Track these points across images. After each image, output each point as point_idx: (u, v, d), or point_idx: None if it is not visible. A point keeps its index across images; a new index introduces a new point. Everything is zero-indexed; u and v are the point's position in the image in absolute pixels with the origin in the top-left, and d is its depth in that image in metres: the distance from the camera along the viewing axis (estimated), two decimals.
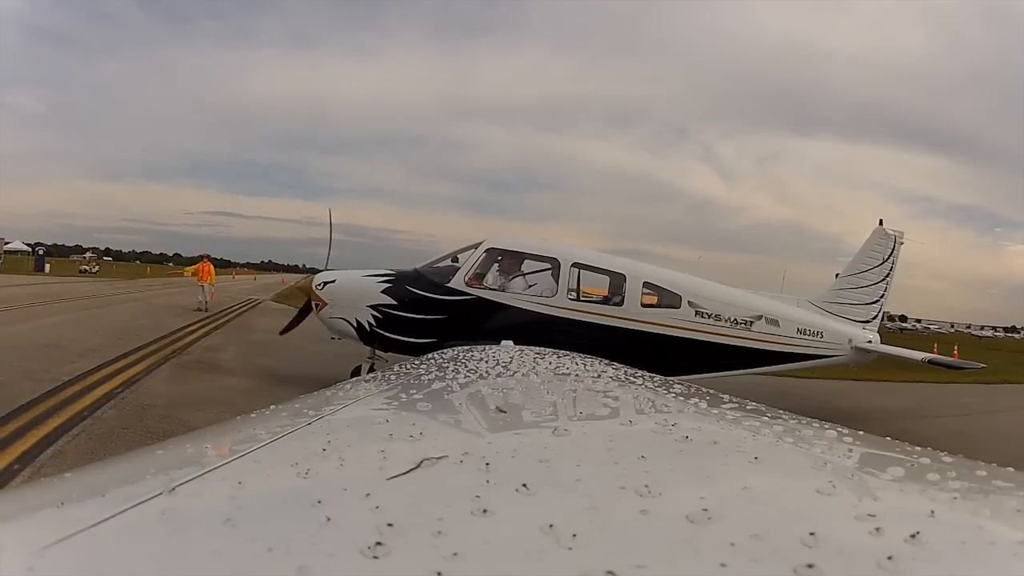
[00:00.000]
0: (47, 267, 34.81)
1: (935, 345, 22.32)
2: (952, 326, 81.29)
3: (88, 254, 45.35)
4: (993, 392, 12.17)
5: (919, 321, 67.57)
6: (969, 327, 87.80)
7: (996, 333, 75.78)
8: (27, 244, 47.82)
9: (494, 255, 6.43)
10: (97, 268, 39.42)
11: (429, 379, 2.06)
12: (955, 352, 19.13)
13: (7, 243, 40.18)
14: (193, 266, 19.22)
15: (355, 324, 6.25)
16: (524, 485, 0.75)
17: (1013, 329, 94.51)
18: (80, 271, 36.73)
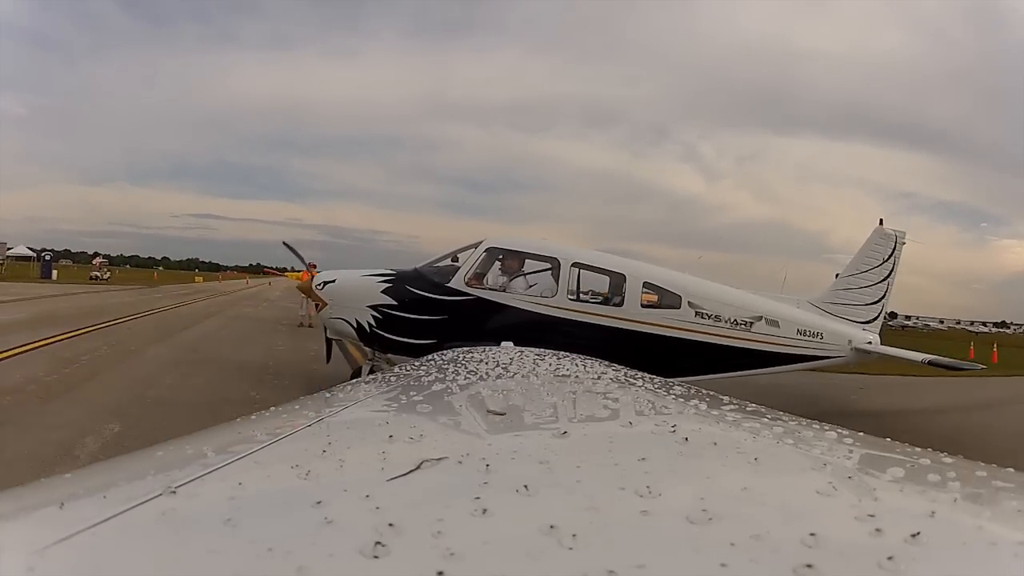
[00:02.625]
0: (54, 273, 32.88)
1: (971, 344, 22.52)
2: (942, 322, 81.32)
3: (98, 260, 42.28)
4: None
5: (908, 318, 67.56)
6: (959, 323, 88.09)
7: (985, 329, 76.08)
8: (31, 249, 44.74)
9: (494, 255, 6.42)
10: (108, 275, 37.85)
11: (429, 380, 2.06)
12: (994, 352, 19.33)
13: (10, 248, 37.27)
14: (298, 273, 17.85)
15: (355, 324, 6.24)
16: (524, 486, 0.75)
17: (1003, 324, 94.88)
18: (91, 277, 35.10)
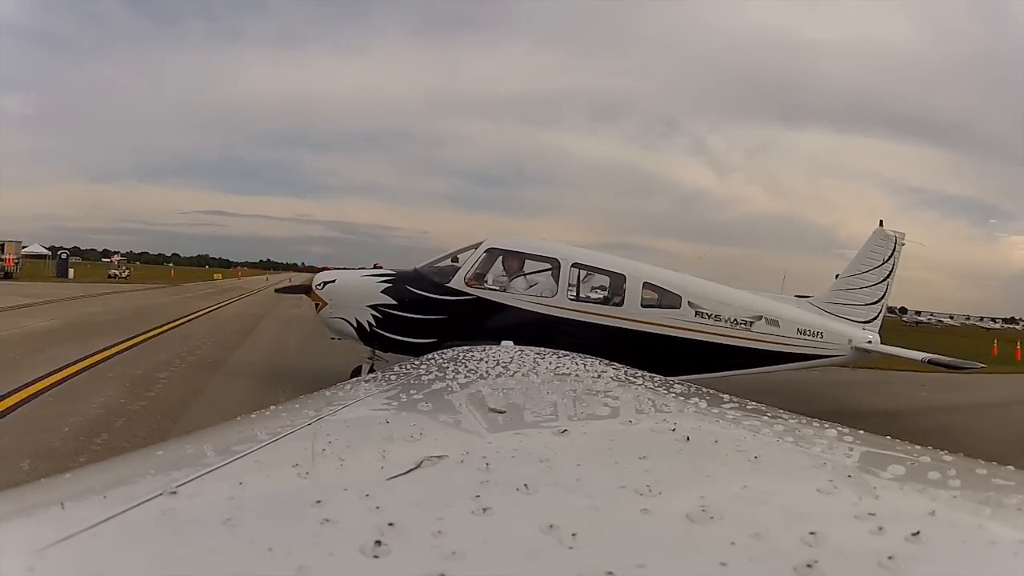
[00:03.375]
0: (71, 272, 32.38)
1: (994, 341, 22.82)
2: (951, 317, 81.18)
3: (117, 258, 41.14)
4: None
5: (919, 313, 67.25)
6: (968, 318, 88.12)
7: (995, 325, 76.14)
8: (45, 247, 43.84)
9: (494, 255, 6.42)
10: (128, 273, 37.10)
11: (429, 379, 2.06)
12: (1017, 349, 19.63)
13: (25, 246, 35.53)
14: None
15: (355, 324, 6.24)
16: (524, 485, 0.75)
17: (1013, 320, 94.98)
18: (110, 275, 34.44)
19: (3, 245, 28.23)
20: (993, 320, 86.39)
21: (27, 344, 8.48)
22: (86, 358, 7.59)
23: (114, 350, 8.50)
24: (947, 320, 71.81)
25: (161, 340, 10.13)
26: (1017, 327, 79.53)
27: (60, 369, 6.77)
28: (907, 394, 9.73)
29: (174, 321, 13.12)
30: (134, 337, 9.87)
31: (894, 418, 7.95)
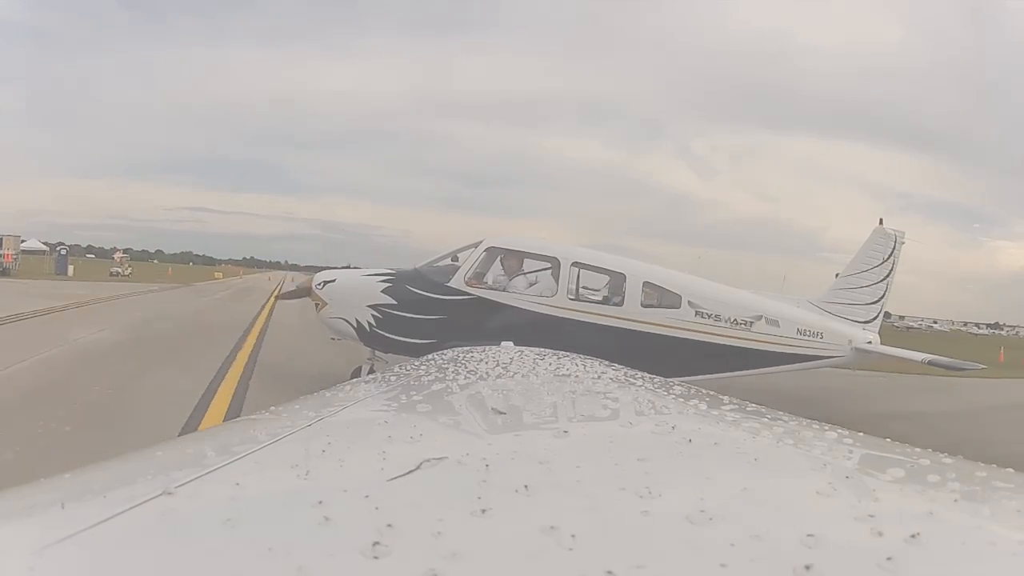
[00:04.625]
0: (71, 269, 31.38)
1: (1001, 348, 23.05)
2: (936, 322, 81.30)
3: (119, 255, 40.92)
4: None
5: (903, 318, 67.22)
6: (953, 323, 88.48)
7: (980, 330, 76.35)
8: (45, 243, 42.42)
9: (494, 254, 6.42)
10: (130, 270, 36.40)
11: (429, 380, 2.06)
12: None
13: (23, 241, 33.83)
14: None
15: (355, 324, 6.24)
16: (524, 486, 0.75)
17: (997, 325, 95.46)
18: (111, 273, 33.88)
19: (1, 240, 27.32)
20: (977, 325, 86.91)
21: (105, 367, 6.54)
22: (214, 391, 5.78)
23: (233, 377, 6.71)
24: (934, 325, 71.94)
25: (270, 358, 8.17)
26: (1002, 332, 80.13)
27: (200, 410, 4.83)
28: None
29: (249, 332, 10.99)
30: (234, 355, 8.06)
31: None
